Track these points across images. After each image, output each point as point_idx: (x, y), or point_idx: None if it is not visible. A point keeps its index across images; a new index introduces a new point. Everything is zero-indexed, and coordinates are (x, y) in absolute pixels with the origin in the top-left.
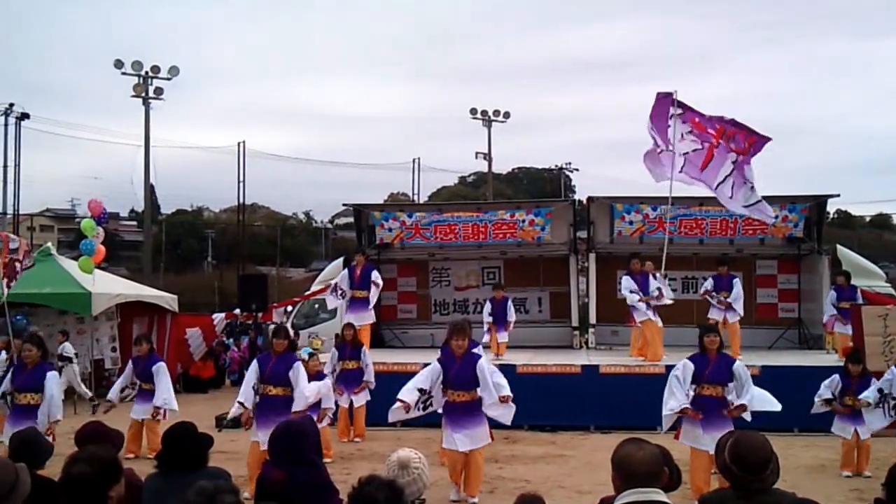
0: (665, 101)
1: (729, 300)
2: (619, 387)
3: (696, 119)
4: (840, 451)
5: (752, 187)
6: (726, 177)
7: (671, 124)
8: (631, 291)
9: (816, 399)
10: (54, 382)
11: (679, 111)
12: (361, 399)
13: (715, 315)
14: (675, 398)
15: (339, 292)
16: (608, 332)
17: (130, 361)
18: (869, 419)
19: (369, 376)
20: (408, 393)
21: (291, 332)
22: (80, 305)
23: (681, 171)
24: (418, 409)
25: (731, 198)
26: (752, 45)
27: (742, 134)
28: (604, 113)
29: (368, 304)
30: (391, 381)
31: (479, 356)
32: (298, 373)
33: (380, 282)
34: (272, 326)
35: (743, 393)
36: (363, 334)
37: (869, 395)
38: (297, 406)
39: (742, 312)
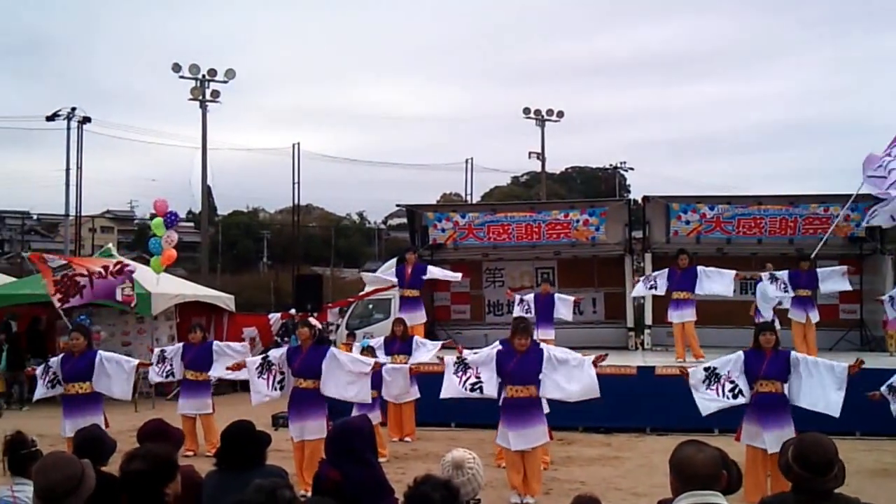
0: None
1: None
2: (675, 388)
3: None
4: None
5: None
6: None
7: None
8: (650, 287)
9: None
10: (103, 354)
11: None
12: (409, 396)
13: (797, 316)
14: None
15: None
16: (664, 333)
17: (182, 345)
18: None
19: (419, 355)
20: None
21: (317, 325)
22: (140, 306)
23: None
24: (462, 384)
25: None
26: (813, 39)
27: None
28: (659, 111)
29: (420, 304)
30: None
31: (541, 348)
32: (334, 358)
33: (437, 271)
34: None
35: (816, 368)
36: (416, 333)
37: None
38: (363, 369)
39: (849, 286)
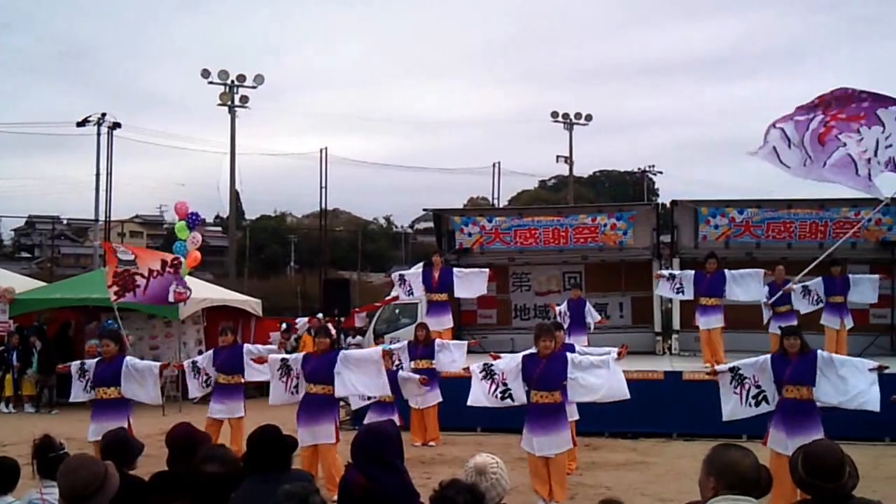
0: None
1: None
2: (702, 394)
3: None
4: None
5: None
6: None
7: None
8: (676, 290)
9: None
10: (130, 361)
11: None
12: (431, 400)
13: (832, 323)
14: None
15: (407, 288)
16: (692, 338)
17: (212, 351)
18: None
19: (443, 357)
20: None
21: (333, 332)
22: (168, 310)
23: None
24: (492, 393)
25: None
26: (851, 38)
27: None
28: (688, 114)
29: (447, 309)
30: (469, 385)
31: (566, 353)
32: (345, 359)
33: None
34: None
35: (846, 368)
36: (444, 338)
37: None
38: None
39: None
